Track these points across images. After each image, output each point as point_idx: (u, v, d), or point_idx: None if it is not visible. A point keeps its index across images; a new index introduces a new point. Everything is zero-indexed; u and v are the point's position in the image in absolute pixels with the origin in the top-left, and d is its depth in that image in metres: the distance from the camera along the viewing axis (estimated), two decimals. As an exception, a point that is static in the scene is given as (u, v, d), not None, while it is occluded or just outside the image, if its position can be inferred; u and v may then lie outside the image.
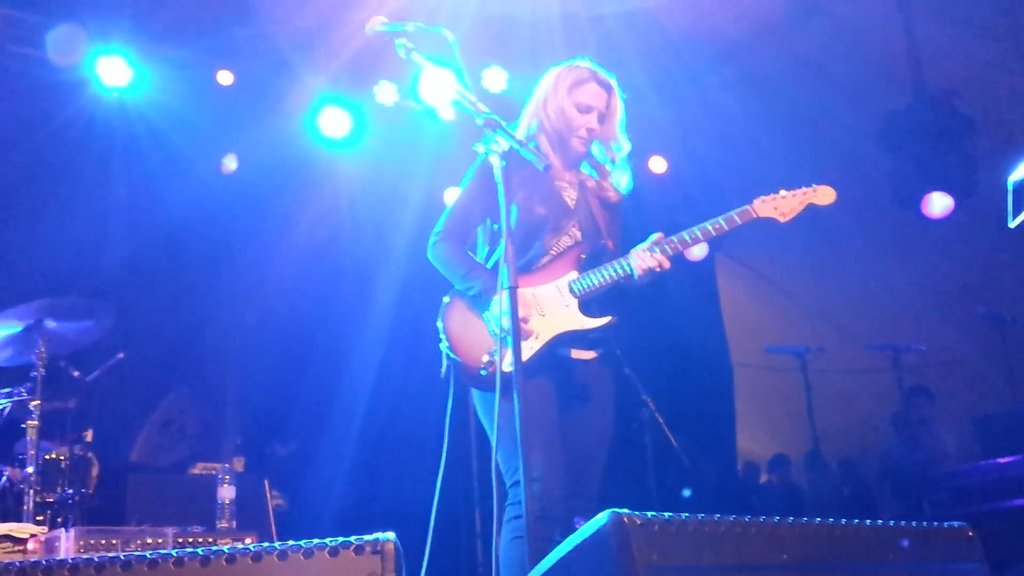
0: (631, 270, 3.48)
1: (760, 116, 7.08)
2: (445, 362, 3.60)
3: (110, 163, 6.63)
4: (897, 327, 7.71)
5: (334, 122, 7.21)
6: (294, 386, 6.94)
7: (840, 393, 7.83)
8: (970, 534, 2.67)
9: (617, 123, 3.77)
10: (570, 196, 3.74)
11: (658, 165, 7.82)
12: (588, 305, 3.55)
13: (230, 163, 7.25)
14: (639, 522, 2.09)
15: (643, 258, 3.46)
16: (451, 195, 7.44)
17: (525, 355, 3.31)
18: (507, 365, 3.16)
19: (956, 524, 2.68)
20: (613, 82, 3.77)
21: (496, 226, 3.69)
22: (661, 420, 5.42)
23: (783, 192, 3.53)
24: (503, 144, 3.13)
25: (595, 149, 3.81)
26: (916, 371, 7.49)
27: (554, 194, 3.69)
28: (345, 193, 7.45)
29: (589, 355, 3.61)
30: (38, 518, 5.09)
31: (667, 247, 3.47)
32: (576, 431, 3.54)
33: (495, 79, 7.24)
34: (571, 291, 3.55)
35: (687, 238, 3.49)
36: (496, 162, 3.13)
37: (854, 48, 6.86)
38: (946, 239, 7.50)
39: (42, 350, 5.26)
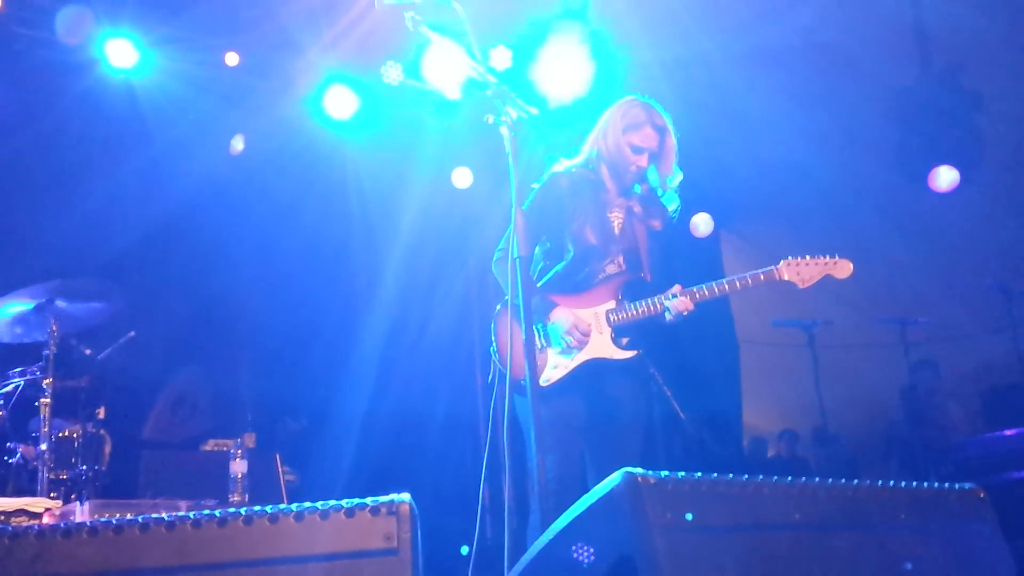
0: (665, 308, 3.78)
1: (767, 92, 7.06)
2: (492, 368, 3.88)
3: (118, 144, 6.65)
4: (904, 301, 7.71)
5: (341, 103, 7.21)
6: (304, 363, 6.98)
7: (846, 367, 7.84)
8: (981, 495, 2.69)
9: (671, 161, 4.04)
10: (618, 222, 3.99)
11: (665, 143, 7.79)
12: (620, 333, 3.84)
13: (237, 144, 7.26)
14: (652, 481, 2.11)
15: (673, 303, 3.76)
16: (458, 176, 7.48)
17: (560, 373, 3.77)
18: (543, 380, 3.75)
19: (968, 485, 2.70)
20: (667, 122, 4.05)
21: (550, 244, 4.01)
22: (668, 393, 5.42)
23: (807, 258, 3.82)
24: (513, 114, 3.17)
25: (650, 175, 4.05)
26: (923, 345, 7.48)
27: (605, 221, 3.95)
28: (352, 173, 7.46)
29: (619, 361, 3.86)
30: (52, 495, 5.13)
31: (696, 294, 3.78)
32: (603, 437, 3.83)
33: (500, 58, 7.23)
34: (607, 320, 3.84)
35: (716, 289, 3.80)
36: (506, 132, 3.17)
37: (861, 23, 6.83)
38: (953, 213, 7.48)
39: (54, 329, 5.30)
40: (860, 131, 7.29)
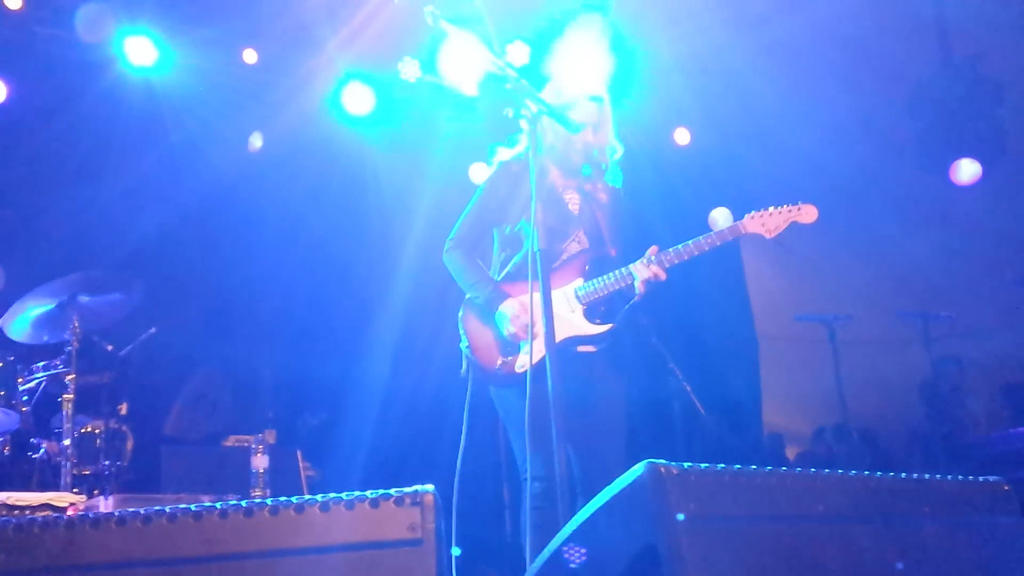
0: (633, 278, 3.69)
1: (784, 86, 7.03)
2: (464, 362, 3.85)
3: (137, 142, 6.68)
4: (925, 296, 7.65)
5: (359, 100, 7.23)
6: (323, 357, 7.01)
7: (868, 363, 7.79)
8: (1006, 488, 2.67)
9: (609, 131, 3.95)
10: (574, 203, 3.93)
11: (682, 137, 7.79)
12: (592, 309, 3.78)
13: (256, 141, 7.30)
14: (676, 472, 2.11)
15: (640, 270, 3.67)
16: (476, 172, 7.49)
17: (535, 358, 3.50)
18: (518, 367, 3.66)
19: (992, 479, 2.68)
20: (603, 91, 3.94)
21: (509, 229, 3.91)
22: (688, 388, 5.43)
23: (771, 209, 3.75)
24: (532, 108, 3.17)
25: (594, 153, 3.96)
26: (944, 340, 7.44)
27: (559, 202, 3.88)
28: (370, 169, 7.48)
29: (591, 348, 3.79)
30: (75, 490, 5.16)
31: (664, 259, 3.69)
32: (587, 423, 3.71)
33: (518, 53, 7.23)
34: (576, 298, 3.78)
35: (682, 251, 3.70)
36: (525, 126, 3.19)
37: (880, 15, 6.79)
38: (974, 205, 7.43)
39: (76, 325, 5.32)
40: (880, 124, 7.25)
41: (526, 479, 3.62)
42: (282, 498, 2.16)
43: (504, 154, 3.94)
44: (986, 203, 7.35)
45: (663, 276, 3.68)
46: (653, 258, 3.68)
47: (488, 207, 3.92)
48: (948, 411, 7.37)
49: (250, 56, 6.93)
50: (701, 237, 3.71)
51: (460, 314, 3.91)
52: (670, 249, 3.72)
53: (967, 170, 7.11)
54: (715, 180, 7.40)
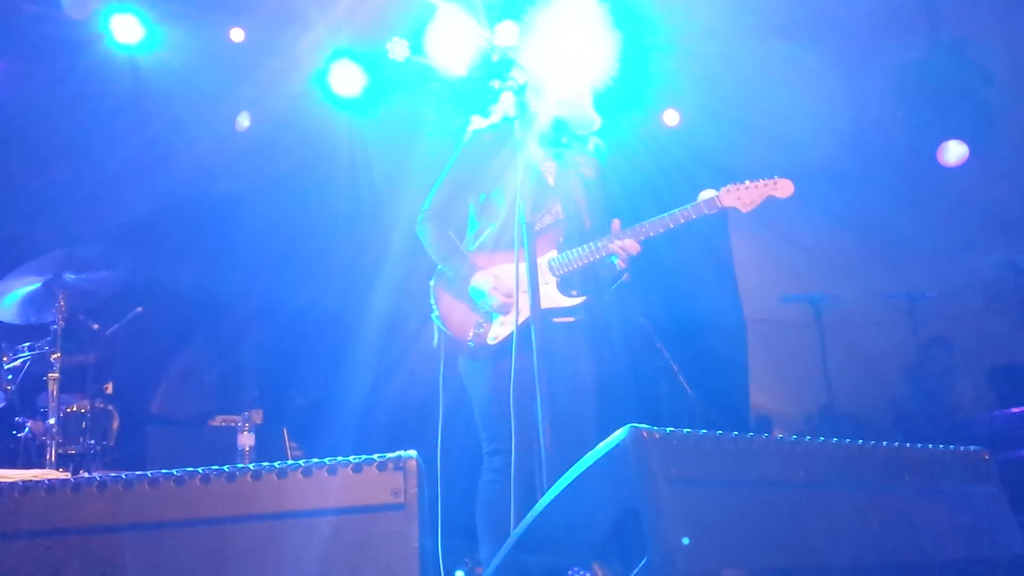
0: (612, 254, 3.71)
1: (773, 67, 7.02)
2: (436, 334, 3.84)
3: (123, 120, 6.63)
4: (912, 277, 7.67)
5: (348, 79, 7.18)
6: (310, 337, 7.00)
7: (854, 345, 7.81)
8: (986, 457, 2.69)
9: (587, 103, 3.95)
10: (551, 173, 3.91)
11: (671, 118, 7.78)
12: (566, 281, 3.78)
13: (243, 121, 7.25)
14: (658, 436, 2.12)
15: (618, 247, 3.69)
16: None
17: (508, 330, 3.61)
18: (490, 339, 3.67)
19: (972, 448, 2.70)
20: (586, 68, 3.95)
21: (484, 198, 3.90)
22: (675, 367, 5.45)
23: (747, 183, 3.77)
24: (518, 79, 3.17)
25: (570, 123, 3.96)
26: (931, 322, 7.47)
27: (537, 174, 3.85)
28: (360, 149, 7.44)
29: (569, 319, 3.79)
30: (60, 470, 5.16)
31: (639, 232, 3.70)
32: (559, 394, 3.65)
33: (506, 34, 7.20)
34: (550, 269, 3.77)
35: (659, 225, 3.71)
36: (511, 98, 3.18)
37: (869, -4, 6.79)
38: (962, 187, 7.45)
39: (61, 304, 5.31)
40: (868, 105, 7.24)
41: (489, 452, 3.66)
42: (264, 463, 2.15)
43: (478, 123, 3.92)
44: (974, 184, 7.36)
45: (634, 249, 3.69)
46: (619, 232, 3.70)
47: (461, 177, 3.92)
48: (934, 392, 7.40)
49: (237, 35, 6.87)
50: (677, 210, 3.73)
51: (432, 284, 3.90)
52: (645, 222, 3.73)
53: (955, 151, 7.13)
54: (704, 161, 7.38)
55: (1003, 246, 7.16)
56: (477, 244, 3.90)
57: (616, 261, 3.72)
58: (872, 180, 7.58)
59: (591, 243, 3.75)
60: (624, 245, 3.67)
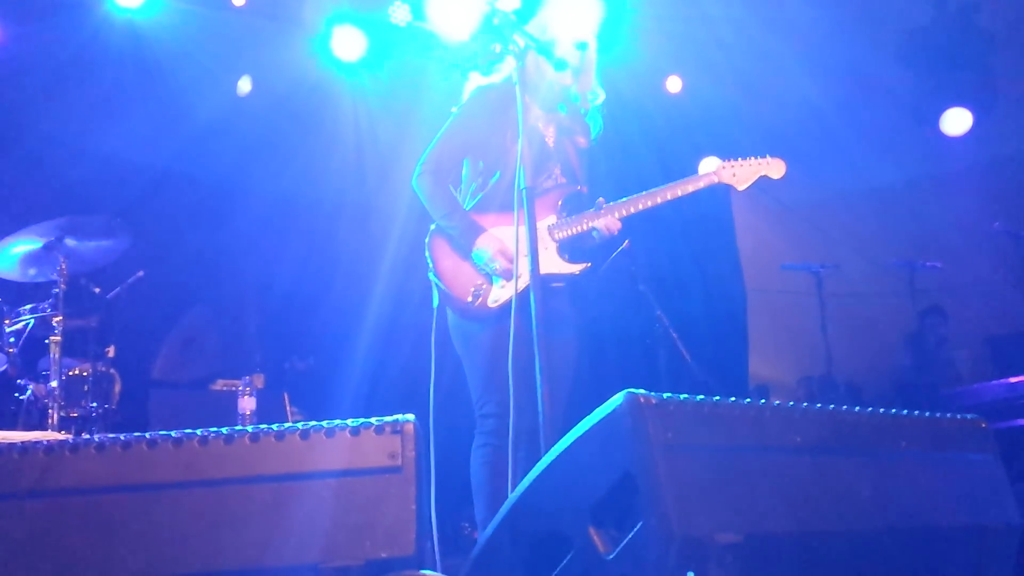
0: (593, 229, 3.72)
1: (777, 33, 6.96)
2: (436, 293, 3.79)
3: (124, 85, 6.60)
4: (913, 245, 7.65)
5: (349, 44, 7.12)
6: (312, 302, 7.01)
7: (854, 315, 7.82)
8: (983, 425, 2.70)
9: (592, 76, 3.89)
10: (550, 137, 3.87)
11: (674, 85, 7.74)
12: (564, 247, 3.76)
13: (244, 86, 7.21)
14: (654, 401, 2.12)
15: (599, 223, 3.69)
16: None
17: (508, 293, 3.55)
18: (491, 301, 3.62)
19: (969, 416, 2.71)
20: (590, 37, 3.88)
21: (482, 163, 3.83)
22: (675, 335, 5.45)
23: (740, 160, 3.79)
24: (520, 43, 3.14)
25: (572, 93, 3.91)
26: (931, 291, 7.47)
27: (539, 137, 3.81)
28: (364, 115, 7.41)
29: (559, 284, 3.78)
30: (62, 432, 5.18)
31: (621, 210, 3.70)
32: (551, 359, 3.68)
33: (508, 3, 7.14)
34: (550, 235, 3.75)
35: (641, 202, 3.71)
36: (513, 61, 3.16)
37: (874, -38, 6.73)
38: (964, 155, 7.41)
39: (63, 267, 5.31)
40: (872, 73, 7.19)
41: (481, 415, 3.65)
42: (263, 426, 2.16)
43: (480, 80, 3.88)
44: (976, 153, 7.33)
45: (615, 228, 3.71)
46: (603, 206, 3.71)
47: (462, 134, 3.85)
48: (933, 362, 7.41)
49: (238, -2, 6.81)
50: (667, 187, 3.73)
51: (427, 241, 3.85)
52: (627, 199, 3.73)
53: (957, 120, 7.08)
54: (707, 128, 7.35)
55: (1004, 215, 7.13)
56: (473, 203, 3.85)
57: (596, 236, 3.74)
58: (875, 147, 7.54)
59: (586, 214, 3.75)
60: (607, 223, 3.69)
